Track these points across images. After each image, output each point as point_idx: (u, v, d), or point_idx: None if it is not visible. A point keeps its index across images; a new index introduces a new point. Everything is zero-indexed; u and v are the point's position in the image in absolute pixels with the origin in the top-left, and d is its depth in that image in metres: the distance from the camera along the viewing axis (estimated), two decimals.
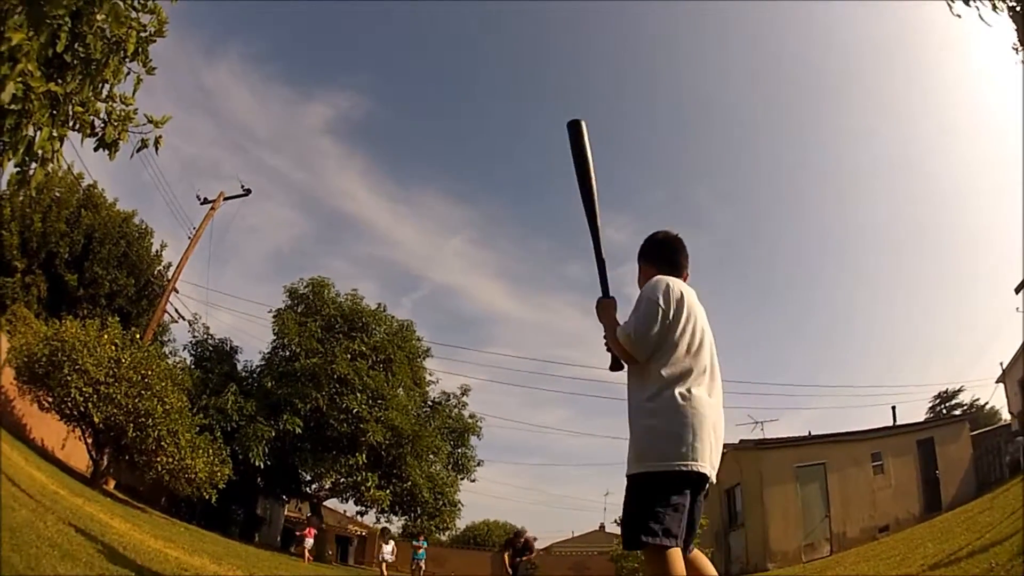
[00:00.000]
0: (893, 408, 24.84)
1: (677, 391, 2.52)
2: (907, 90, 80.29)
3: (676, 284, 2.74)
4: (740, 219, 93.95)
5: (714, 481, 2.55)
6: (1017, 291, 21.30)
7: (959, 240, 77.00)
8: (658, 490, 2.42)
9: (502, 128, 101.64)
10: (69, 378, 11.50)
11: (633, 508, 2.46)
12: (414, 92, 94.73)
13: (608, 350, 2.89)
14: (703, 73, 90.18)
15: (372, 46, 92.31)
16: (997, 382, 24.56)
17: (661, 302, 2.63)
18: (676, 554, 2.35)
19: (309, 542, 19.11)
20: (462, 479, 25.25)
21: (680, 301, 2.67)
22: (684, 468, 2.41)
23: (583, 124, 3.01)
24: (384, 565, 20.25)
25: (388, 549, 20.96)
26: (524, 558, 14.15)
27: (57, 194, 19.02)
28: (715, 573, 2.64)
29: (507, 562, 13.95)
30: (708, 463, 2.47)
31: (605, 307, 2.89)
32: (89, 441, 12.95)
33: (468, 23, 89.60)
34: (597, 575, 29.03)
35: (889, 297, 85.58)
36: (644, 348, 2.60)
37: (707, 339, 2.72)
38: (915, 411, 48.72)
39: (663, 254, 2.97)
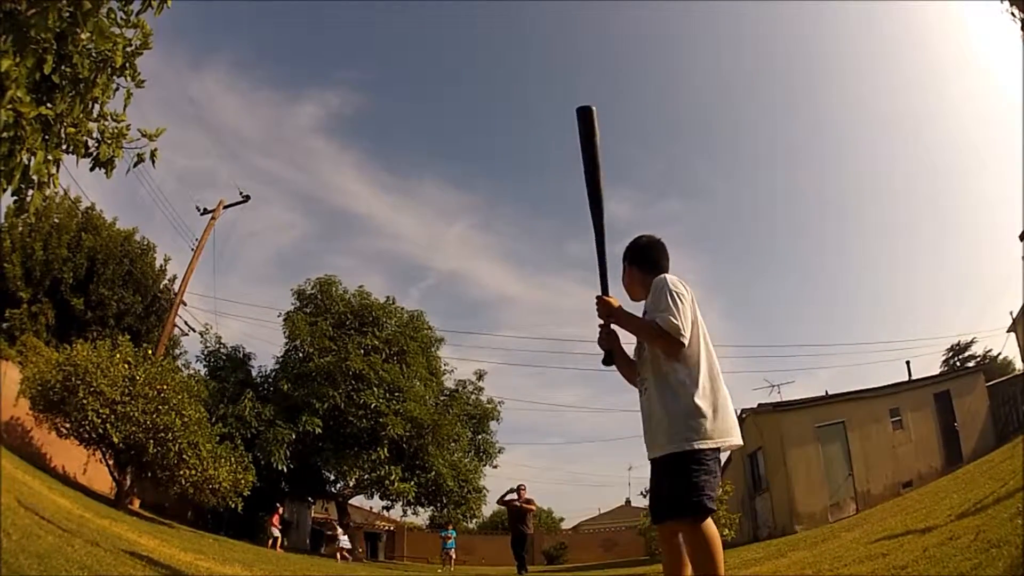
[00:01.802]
0: (908, 363, 24.74)
1: (711, 373, 2.81)
2: (902, 47, 79.53)
3: (680, 279, 2.96)
4: (741, 185, 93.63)
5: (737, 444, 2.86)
6: (1021, 238, 21.11)
7: (962, 190, 76.60)
8: (703, 464, 2.66)
9: (494, 110, 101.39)
10: (85, 401, 11.48)
11: (683, 481, 2.65)
12: (401, 82, 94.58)
13: (602, 345, 3.13)
14: (700, 43, 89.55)
15: (357, 40, 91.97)
16: (1008, 331, 24.45)
17: (684, 291, 2.86)
18: (712, 524, 2.64)
19: (274, 531, 19.12)
20: (485, 465, 25.25)
21: (691, 294, 2.91)
22: (727, 443, 2.74)
23: (594, 111, 3.04)
24: (340, 552, 20.57)
25: (345, 538, 21.39)
26: (525, 509, 13.83)
27: (56, 220, 19.04)
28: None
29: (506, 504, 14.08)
30: (737, 435, 2.79)
31: (611, 304, 3.03)
32: (110, 462, 12.98)
33: (455, 5, 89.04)
34: (627, 550, 29.19)
35: (895, 252, 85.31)
36: (686, 333, 2.76)
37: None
38: (929, 365, 48.67)
39: (648, 257, 3.18)
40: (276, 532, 18.90)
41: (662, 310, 2.81)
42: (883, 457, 18.01)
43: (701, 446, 2.66)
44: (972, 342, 34.45)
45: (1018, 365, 24.68)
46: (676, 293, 2.83)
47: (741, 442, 2.82)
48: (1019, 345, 22.70)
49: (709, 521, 2.62)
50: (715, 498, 2.65)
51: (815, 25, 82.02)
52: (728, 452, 2.88)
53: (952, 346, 35.12)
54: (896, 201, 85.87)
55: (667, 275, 2.97)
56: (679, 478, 2.66)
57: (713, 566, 2.56)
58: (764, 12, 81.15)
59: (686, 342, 2.77)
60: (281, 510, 19.81)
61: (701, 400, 2.72)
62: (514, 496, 13.95)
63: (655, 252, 3.19)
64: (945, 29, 75.24)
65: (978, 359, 32.29)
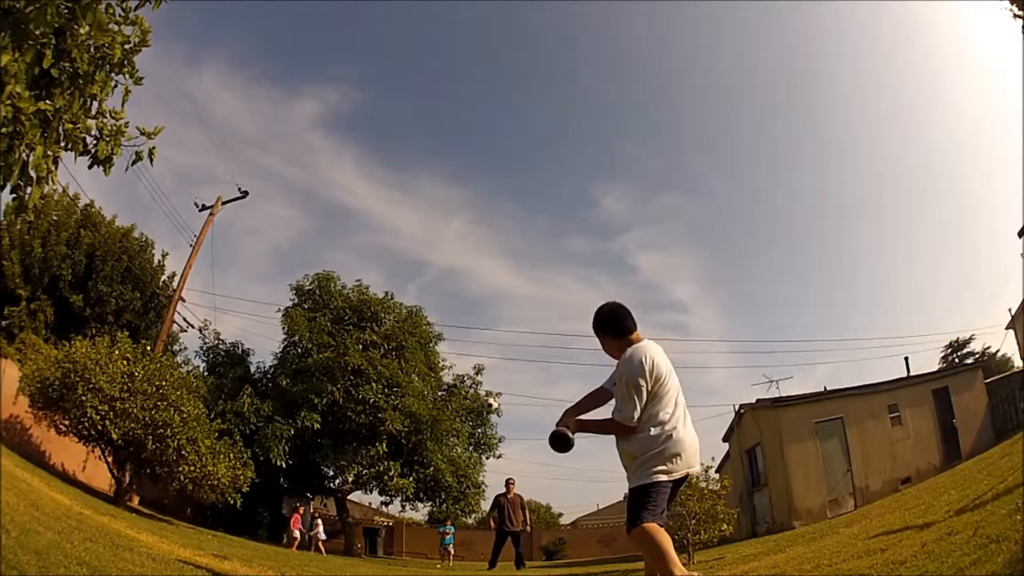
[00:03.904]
0: (906, 359, 24.76)
1: (667, 424, 3.38)
2: (902, 45, 79.47)
3: (647, 351, 3.48)
4: (741, 181, 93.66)
5: (696, 471, 4.08)
6: (1020, 235, 21.13)
7: (962, 188, 76.63)
8: (654, 494, 3.32)
9: (491, 106, 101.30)
10: (84, 398, 11.45)
11: (633, 506, 3.34)
12: (400, 78, 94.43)
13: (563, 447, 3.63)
14: (700, 42, 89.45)
15: (353, 37, 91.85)
16: (1007, 328, 24.49)
17: (640, 381, 3.36)
18: (655, 527, 3.25)
19: (295, 532, 19.26)
20: (487, 458, 25.19)
21: (652, 366, 3.40)
22: (678, 474, 3.38)
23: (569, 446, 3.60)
24: (320, 543, 20.93)
25: (321, 528, 22.00)
26: (515, 511, 12.68)
27: (55, 217, 19.01)
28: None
29: (494, 525, 12.87)
30: (682, 470, 3.41)
31: (576, 427, 3.65)
32: (109, 459, 12.96)
33: (454, 3, 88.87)
34: (625, 545, 29.19)
35: (894, 248, 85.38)
36: (635, 417, 3.37)
37: (675, 381, 3.52)
38: (928, 361, 48.67)
39: (614, 324, 3.67)
40: (297, 533, 19.03)
41: (617, 405, 3.46)
42: (882, 453, 18.03)
43: (655, 479, 3.32)
44: (971, 339, 34.66)
45: (1017, 362, 24.79)
46: (631, 384, 3.37)
47: (695, 469, 3.58)
48: (1018, 342, 22.74)
49: (654, 527, 3.23)
50: (655, 514, 3.29)
51: (815, 24, 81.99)
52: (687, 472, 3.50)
53: (951, 343, 35.28)
54: (896, 197, 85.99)
55: (631, 355, 3.46)
56: (633, 503, 3.35)
57: (657, 562, 3.21)
58: (764, 11, 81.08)
59: (635, 424, 3.37)
60: (301, 510, 19.91)
61: (655, 448, 3.34)
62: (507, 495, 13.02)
63: (619, 317, 3.67)
64: (945, 28, 75.21)
65: (977, 356, 32.42)
